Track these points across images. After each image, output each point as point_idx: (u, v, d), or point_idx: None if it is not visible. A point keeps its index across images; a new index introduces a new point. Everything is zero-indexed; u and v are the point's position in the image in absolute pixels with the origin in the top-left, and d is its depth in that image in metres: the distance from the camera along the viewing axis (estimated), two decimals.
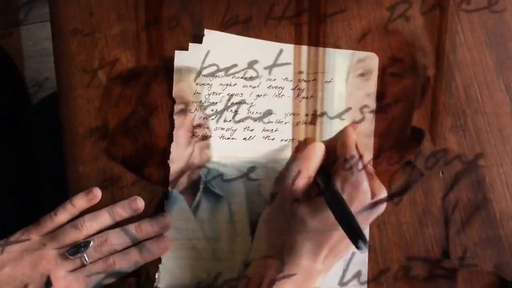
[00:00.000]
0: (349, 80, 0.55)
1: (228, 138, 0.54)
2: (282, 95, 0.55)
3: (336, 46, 0.56)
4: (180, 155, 0.54)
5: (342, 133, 0.49)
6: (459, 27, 0.56)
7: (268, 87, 0.55)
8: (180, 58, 0.55)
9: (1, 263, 0.49)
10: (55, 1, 0.56)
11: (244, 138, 0.54)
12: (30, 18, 1.17)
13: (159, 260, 0.52)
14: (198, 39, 0.55)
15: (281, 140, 0.54)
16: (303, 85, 0.55)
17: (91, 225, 0.51)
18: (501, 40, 0.56)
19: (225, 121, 0.54)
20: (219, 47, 0.55)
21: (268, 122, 0.55)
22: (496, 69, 0.55)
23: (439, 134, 0.54)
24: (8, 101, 0.73)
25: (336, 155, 0.48)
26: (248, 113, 0.55)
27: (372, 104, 0.55)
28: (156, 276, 0.52)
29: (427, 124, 0.55)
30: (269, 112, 0.55)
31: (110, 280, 0.50)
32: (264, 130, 0.55)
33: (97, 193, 0.52)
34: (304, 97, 0.55)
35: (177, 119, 0.54)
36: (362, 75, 0.55)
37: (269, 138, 0.55)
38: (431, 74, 0.55)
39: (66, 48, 0.55)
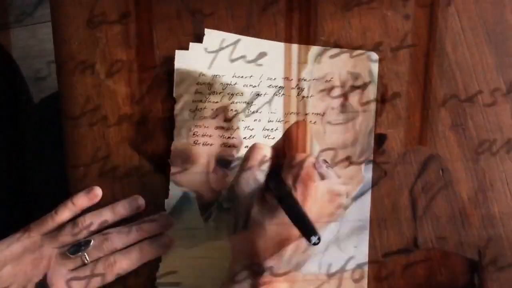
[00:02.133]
0: (311, 95, 0.55)
1: (228, 138, 0.54)
2: (283, 94, 0.55)
3: (336, 45, 0.56)
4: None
5: (288, 132, 0.48)
6: (459, 25, 0.56)
7: (269, 86, 0.55)
8: (181, 58, 0.55)
9: (3, 262, 0.49)
10: (57, 1, 0.56)
11: (244, 137, 0.55)
12: (32, 18, 1.17)
13: (159, 259, 0.52)
14: (199, 39, 0.56)
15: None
16: (304, 84, 0.55)
17: (92, 223, 0.51)
18: (501, 38, 0.56)
19: (225, 120, 0.55)
20: (219, 47, 0.56)
21: (268, 121, 0.55)
22: (496, 67, 0.55)
23: (439, 132, 0.54)
24: (9, 100, 0.73)
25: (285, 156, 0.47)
26: (248, 112, 0.55)
27: (336, 118, 0.55)
28: (157, 275, 0.52)
29: (427, 122, 0.55)
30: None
31: (111, 279, 0.50)
32: (264, 129, 0.55)
33: (98, 191, 0.52)
34: (304, 96, 0.55)
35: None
36: (323, 90, 0.55)
37: (270, 137, 0.55)
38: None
39: (67, 47, 0.56)
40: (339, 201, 0.47)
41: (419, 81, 0.56)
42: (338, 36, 0.56)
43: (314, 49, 0.56)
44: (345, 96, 0.55)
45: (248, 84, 0.55)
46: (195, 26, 0.56)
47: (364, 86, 0.55)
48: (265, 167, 0.46)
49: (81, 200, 0.52)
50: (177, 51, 0.55)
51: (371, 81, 0.55)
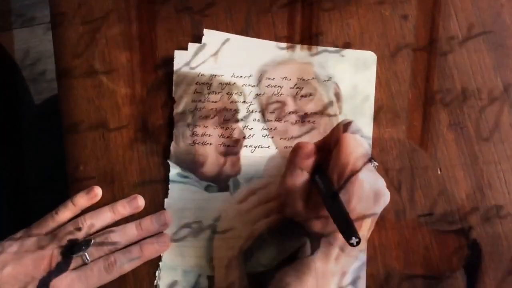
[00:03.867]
0: (267, 113, 0.55)
1: (227, 137, 0.55)
2: (281, 94, 0.56)
3: (334, 45, 0.56)
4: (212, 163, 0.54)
5: (335, 130, 0.49)
6: (456, 25, 0.56)
7: (267, 86, 0.56)
8: (180, 58, 0.55)
9: (3, 262, 0.49)
10: (56, 2, 0.57)
11: (244, 137, 0.55)
12: (32, 20, 1.18)
13: (159, 258, 0.52)
14: (198, 39, 0.56)
15: (280, 139, 0.55)
16: (301, 83, 0.56)
17: (92, 223, 0.51)
18: (499, 38, 0.56)
19: (224, 120, 0.55)
20: (217, 47, 0.56)
21: (267, 121, 0.55)
22: (494, 67, 0.56)
23: (437, 132, 0.55)
24: (9, 101, 0.74)
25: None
26: (247, 112, 0.55)
27: (297, 130, 0.55)
28: (157, 274, 0.52)
29: (425, 122, 0.55)
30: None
31: (111, 278, 0.50)
32: (263, 128, 0.55)
33: (98, 191, 0.53)
34: (302, 96, 0.55)
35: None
36: (276, 109, 0.55)
37: (268, 137, 0.55)
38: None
39: (67, 49, 0.56)
40: (383, 200, 0.46)
41: (417, 81, 0.56)
42: (336, 36, 0.56)
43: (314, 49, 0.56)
44: (298, 105, 0.55)
45: (247, 84, 0.55)
46: (194, 27, 0.56)
47: (313, 93, 0.56)
48: (310, 163, 0.47)
49: (81, 200, 0.52)
50: (176, 51, 0.55)
51: (317, 83, 0.56)
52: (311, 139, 0.53)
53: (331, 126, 0.53)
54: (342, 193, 0.45)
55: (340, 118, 0.55)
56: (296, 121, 0.55)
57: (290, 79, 0.56)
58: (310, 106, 0.55)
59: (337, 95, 0.56)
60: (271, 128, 0.55)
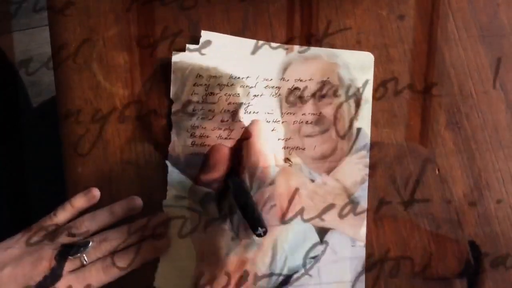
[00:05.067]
0: (283, 111, 0.55)
1: (225, 138, 0.55)
2: (279, 95, 0.56)
3: (332, 45, 0.56)
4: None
5: (245, 132, 0.53)
6: (453, 25, 0.56)
7: (265, 87, 0.56)
8: (178, 59, 0.55)
9: (2, 264, 0.49)
10: (54, 4, 0.57)
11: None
12: (30, 22, 1.18)
13: (157, 259, 0.52)
14: (195, 40, 0.56)
15: (278, 140, 0.55)
16: (300, 84, 0.56)
17: (90, 225, 0.51)
18: (495, 37, 0.56)
19: (222, 121, 0.55)
20: (215, 48, 0.56)
21: (266, 122, 0.55)
22: (491, 66, 0.56)
23: (434, 131, 0.55)
24: (8, 104, 0.74)
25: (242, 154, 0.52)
26: (245, 113, 0.55)
27: (311, 131, 0.55)
28: (155, 276, 0.52)
29: (422, 121, 0.55)
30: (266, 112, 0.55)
31: (109, 280, 0.50)
32: None
33: (96, 193, 0.53)
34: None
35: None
36: (293, 104, 0.55)
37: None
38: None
39: (64, 50, 0.56)
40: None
41: (415, 81, 0.56)
42: (333, 37, 0.56)
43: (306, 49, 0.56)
44: (317, 106, 0.55)
45: (245, 85, 0.56)
46: (191, 28, 0.56)
47: (335, 93, 0.56)
48: (224, 166, 0.52)
49: (79, 201, 0.52)
50: (174, 53, 0.55)
51: (339, 86, 0.56)
52: (323, 142, 0.54)
53: (344, 130, 0.54)
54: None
55: (355, 124, 0.55)
56: (311, 121, 0.55)
57: (313, 78, 0.56)
58: (328, 108, 0.55)
59: (357, 102, 0.56)
60: (284, 122, 0.55)
